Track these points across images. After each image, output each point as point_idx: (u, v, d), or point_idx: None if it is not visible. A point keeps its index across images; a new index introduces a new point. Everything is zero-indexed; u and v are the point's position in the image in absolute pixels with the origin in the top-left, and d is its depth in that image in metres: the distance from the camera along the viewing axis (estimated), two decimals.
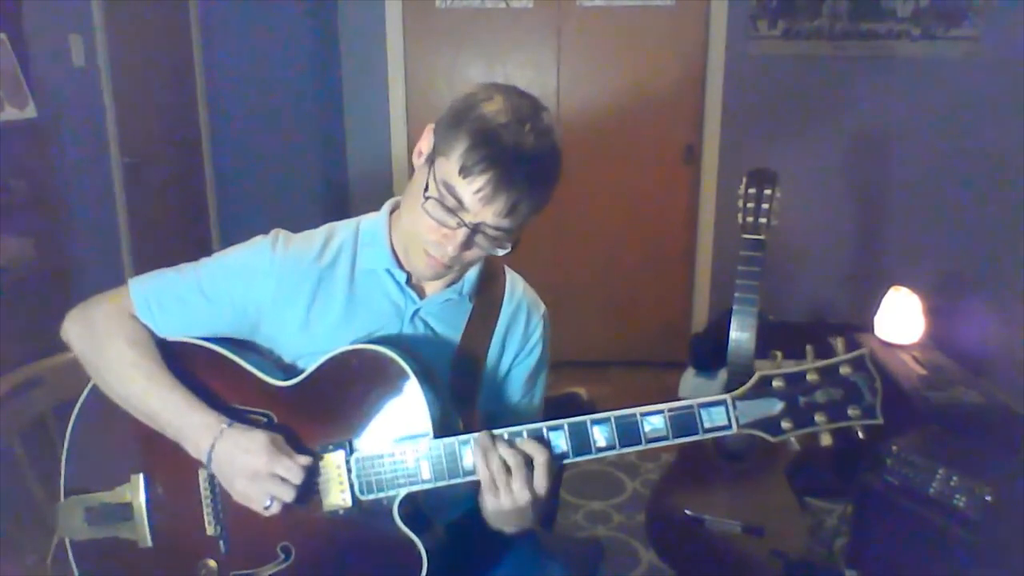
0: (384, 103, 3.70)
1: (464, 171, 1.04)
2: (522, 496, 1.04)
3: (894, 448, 1.90)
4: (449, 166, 1.06)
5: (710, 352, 2.83)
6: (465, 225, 1.07)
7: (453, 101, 1.11)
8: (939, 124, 3.49)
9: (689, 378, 3.02)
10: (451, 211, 1.07)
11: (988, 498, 1.75)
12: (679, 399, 2.45)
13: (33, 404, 1.39)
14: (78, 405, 1.24)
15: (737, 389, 1.04)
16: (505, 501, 1.05)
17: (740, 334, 1.92)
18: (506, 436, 1.05)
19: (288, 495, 1.07)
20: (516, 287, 1.28)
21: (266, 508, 1.08)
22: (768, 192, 1.91)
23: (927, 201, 3.58)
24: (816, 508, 2.50)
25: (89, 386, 1.22)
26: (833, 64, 3.50)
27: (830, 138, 3.59)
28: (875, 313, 2.73)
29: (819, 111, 3.56)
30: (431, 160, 1.10)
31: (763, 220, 1.91)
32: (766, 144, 3.53)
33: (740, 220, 1.93)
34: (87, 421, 1.24)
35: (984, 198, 3.51)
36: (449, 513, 1.21)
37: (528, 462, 1.03)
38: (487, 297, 1.24)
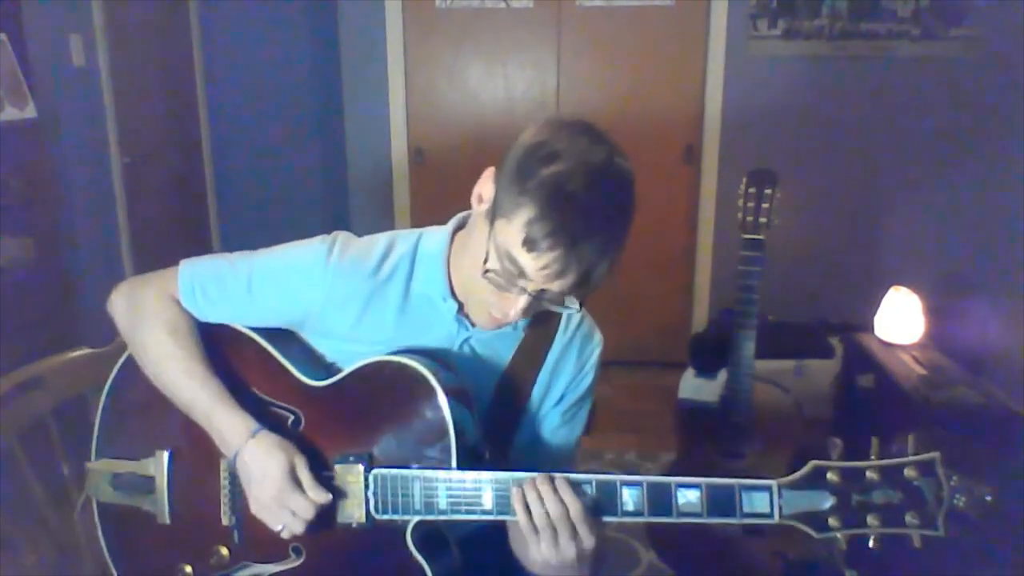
0: (384, 103, 3.70)
1: (528, 243, 0.95)
2: (568, 550, 0.98)
3: (894, 448, 1.90)
4: (511, 234, 0.96)
5: (710, 352, 2.83)
6: (528, 293, 1.00)
7: (517, 145, 1.01)
8: (939, 124, 3.48)
9: (689, 378, 3.02)
10: (512, 279, 0.99)
11: (988, 498, 1.74)
12: (679, 399, 2.44)
13: (33, 404, 1.39)
14: (117, 366, 1.22)
15: (788, 476, 0.96)
16: (550, 553, 0.99)
17: (740, 334, 1.92)
18: (547, 478, 0.99)
19: (298, 528, 1.06)
20: (573, 318, 1.21)
21: (279, 531, 1.07)
22: (768, 192, 1.91)
23: (927, 201, 3.58)
24: None
25: (127, 353, 1.21)
26: (833, 64, 3.49)
27: (830, 138, 3.59)
28: (875, 313, 2.73)
29: (819, 111, 3.56)
30: (491, 218, 1.00)
31: (763, 220, 1.90)
32: (766, 144, 3.52)
33: (740, 220, 1.93)
34: (125, 386, 1.22)
35: (984, 198, 3.51)
36: (462, 528, 1.18)
37: (567, 513, 0.97)
38: (541, 328, 1.18)
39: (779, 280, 3.39)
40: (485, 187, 1.04)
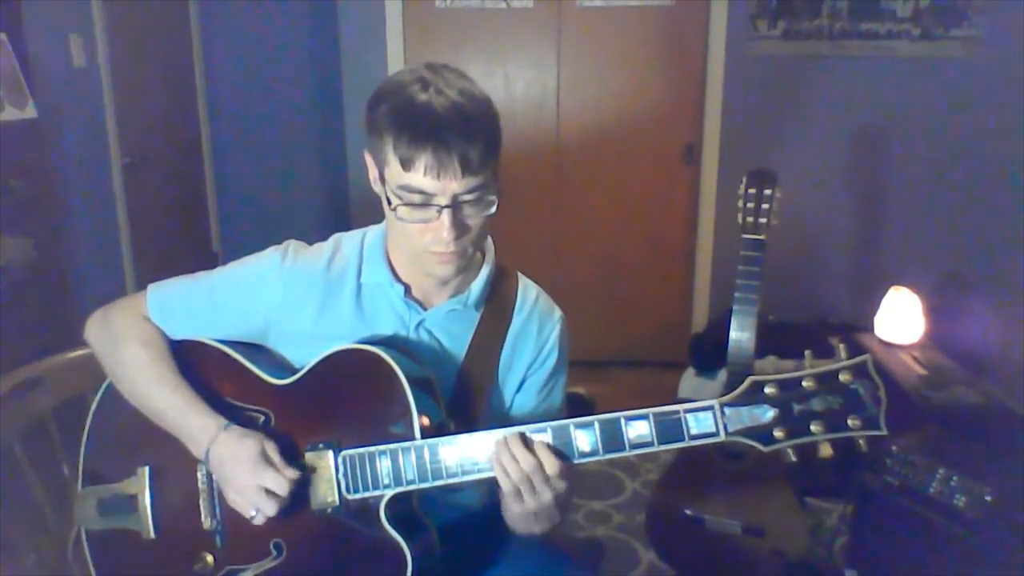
0: None
1: (405, 163, 1.04)
2: (545, 496, 1.04)
3: (894, 448, 1.90)
4: (394, 168, 1.06)
5: (710, 352, 2.83)
6: (443, 207, 1.05)
7: (367, 111, 1.11)
8: (939, 124, 3.48)
9: (689, 378, 3.03)
10: (422, 205, 1.06)
11: (988, 498, 1.75)
12: (679, 399, 2.45)
13: (33, 404, 1.40)
14: (96, 399, 1.28)
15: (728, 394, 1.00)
16: (530, 503, 1.05)
17: (740, 334, 1.92)
18: (519, 438, 1.04)
19: (272, 509, 1.09)
20: (528, 296, 1.26)
21: (252, 517, 1.10)
22: (768, 192, 1.91)
23: (927, 201, 3.58)
24: (816, 508, 2.50)
25: (106, 382, 1.27)
26: (833, 64, 3.49)
27: (830, 138, 3.59)
28: (875, 313, 2.73)
29: (819, 111, 3.56)
30: (382, 178, 1.10)
31: (763, 220, 1.91)
32: (766, 144, 3.52)
33: (740, 220, 1.93)
34: (104, 415, 1.28)
35: (984, 198, 3.51)
36: (448, 514, 1.21)
37: (540, 465, 1.02)
38: (496, 306, 1.23)
39: (779, 280, 3.40)
40: (370, 168, 1.14)
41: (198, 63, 4.18)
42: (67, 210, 3.04)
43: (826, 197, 3.62)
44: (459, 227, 1.07)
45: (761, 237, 1.91)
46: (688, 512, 2.07)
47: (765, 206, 1.90)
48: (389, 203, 1.08)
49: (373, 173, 1.13)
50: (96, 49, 3.22)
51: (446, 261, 1.11)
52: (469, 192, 1.06)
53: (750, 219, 1.92)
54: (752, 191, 1.92)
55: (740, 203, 1.93)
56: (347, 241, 1.24)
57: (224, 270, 1.24)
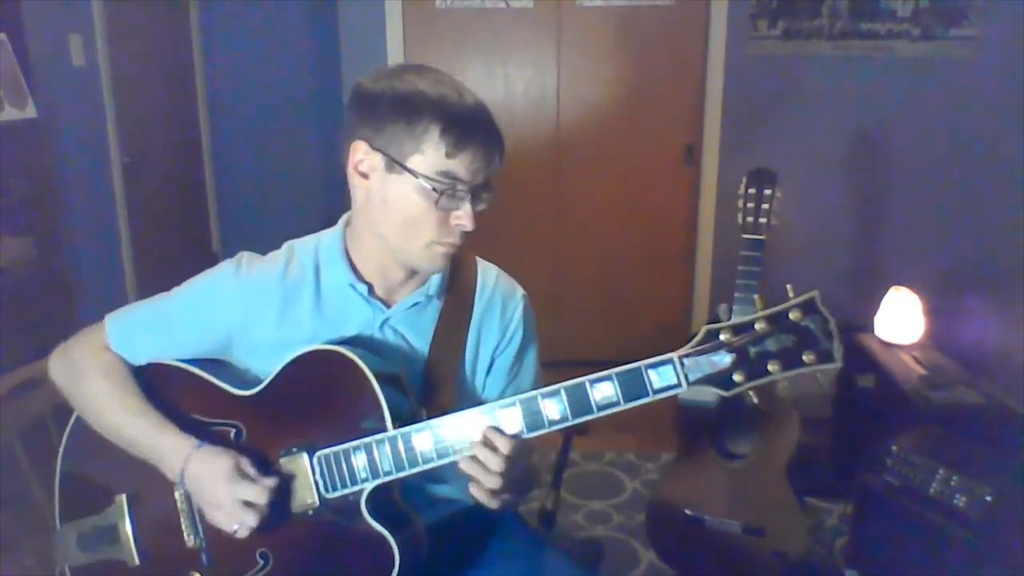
0: None
1: (451, 152, 1.06)
2: (495, 482, 1.05)
3: (894, 448, 1.90)
4: (433, 156, 1.07)
5: None
6: (469, 194, 1.09)
7: (375, 111, 1.10)
8: (939, 124, 3.48)
9: None
10: (454, 193, 1.08)
11: (988, 498, 1.75)
12: (679, 399, 2.43)
13: (33, 404, 1.40)
14: (65, 435, 1.27)
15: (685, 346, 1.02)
16: (489, 498, 1.07)
17: None
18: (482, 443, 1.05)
19: (253, 519, 1.09)
20: (488, 278, 1.27)
21: (234, 532, 1.10)
22: (768, 192, 1.91)
23: (927, 201, 3.58)
24: (816, 508, 2.50)
25: (74, 416, 1.26)
26: (833, 64, 3.49)
27: (830, 138, 3.59)
28: (875, 313, 2.73)
29: (819, 111, 3.56)
30: (399, 168, 1.08)
31: (763, 220, 1.91)
32: (766, 144, 3.52)
33: (740, 220, 1.93)
34: (75, 449, 1.27)
35: (984, 198, 3.51)
36: (439, 509, 1.21)
37: (492, 448, 1.03)
38: (457, 294, 1.24)
39: (779, 280, 3.39)
40: (363, 159, 1.12)
41: (198, 63, 4.19)
42: (67, 210, 3.04)
43: (826, 197, 3.62)
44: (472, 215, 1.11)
45: (761, 237, 1.91)
46: (688, 512, 2.07)
47: (765, 206, 1.90)
48: (434, 191, 1.07)
49: (373, 160, 1.10)
50: (96, 49, 3.23)
51: (449, 251, 1.14)
52: (486, 188, 1.12)
53: (750, 219, 1.92)
54: (752, 191, 1.92)
55: (740, 203, 1.93)
56: (300, 248, 1.24)
57: (180, 290, 1.23)
